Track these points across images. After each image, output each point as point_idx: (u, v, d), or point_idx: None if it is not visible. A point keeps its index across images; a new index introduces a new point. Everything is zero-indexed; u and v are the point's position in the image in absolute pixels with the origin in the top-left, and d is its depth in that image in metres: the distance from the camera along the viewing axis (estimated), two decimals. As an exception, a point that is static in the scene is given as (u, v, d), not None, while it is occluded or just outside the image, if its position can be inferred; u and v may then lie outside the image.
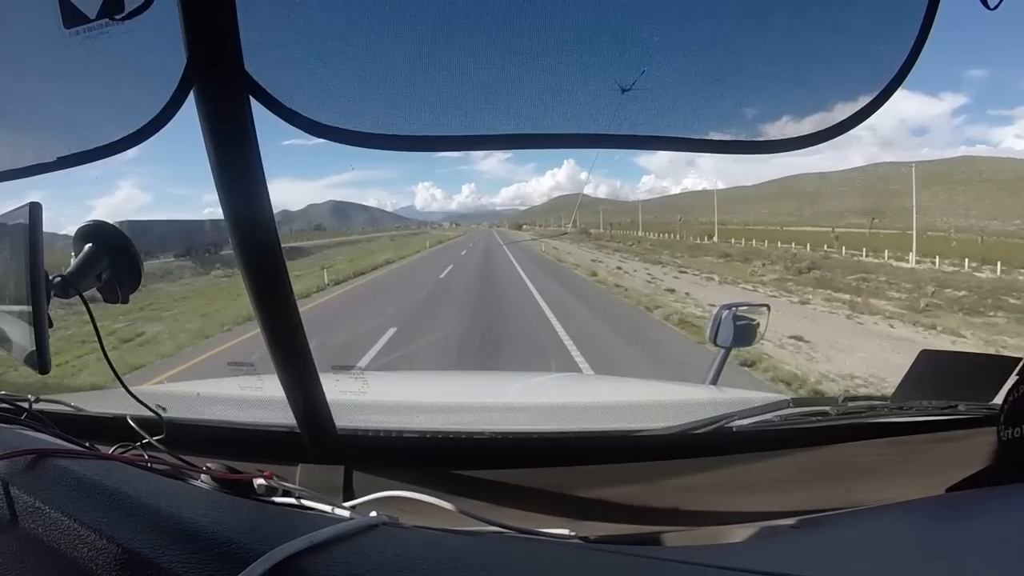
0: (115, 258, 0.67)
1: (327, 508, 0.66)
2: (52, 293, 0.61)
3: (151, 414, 0.78)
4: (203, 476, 0.66)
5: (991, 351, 6.54)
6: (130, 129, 0.59)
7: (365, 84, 0.60)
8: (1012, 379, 0.80)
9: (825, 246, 34.48)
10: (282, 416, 0.83)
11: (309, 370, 0.74)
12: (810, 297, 13.85)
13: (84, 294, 0.65)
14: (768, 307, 1.66)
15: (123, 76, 0.63)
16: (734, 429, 0.88)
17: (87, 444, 0.68)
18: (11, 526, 0.47)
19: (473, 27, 0.56)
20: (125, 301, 0.69)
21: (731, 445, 0.88)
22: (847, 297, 13.77)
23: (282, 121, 0.57)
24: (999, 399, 0.81)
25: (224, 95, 0.58)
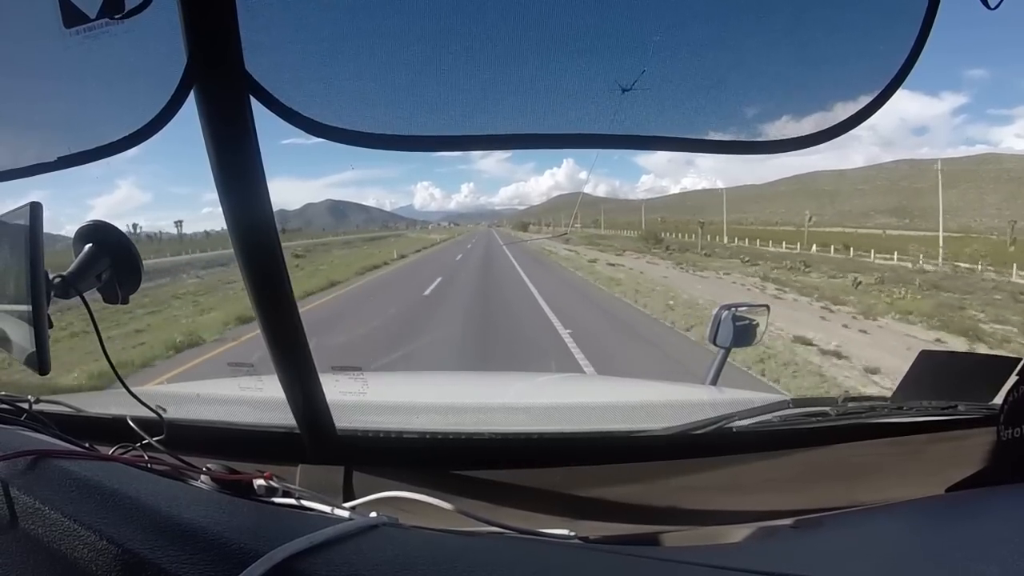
0: (115, 258, 0.67)
1: (327, 509, 0.66)
2: (52, 293, 0.61)
3: (151, 415, 0.78)
4: (203, 477, 0.66)
5: None
6: (131, 129, 0.59)
7: (365, 84, 0.60)
8: (1012, 379, 0.80)
9: (979, 265, 22.85)
10: (282, 417, 0.83)
11: (309, 370, 0.74)
12: None
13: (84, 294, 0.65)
14: (768, 307, 1.66)
15: (124, 76, 0.63)
16: (734, 429, 0.88)
17: (87, 445, 0.68)
18: (11, 527, 0.47)
19: (473, 27, 0.56)
20: (125, 301, 0.69)
21: (731, 445, 0.88)
22: None
23: (281, 120, 0.57)
24: (999, 399, 0.81)
25: (225, 95, 0.58)
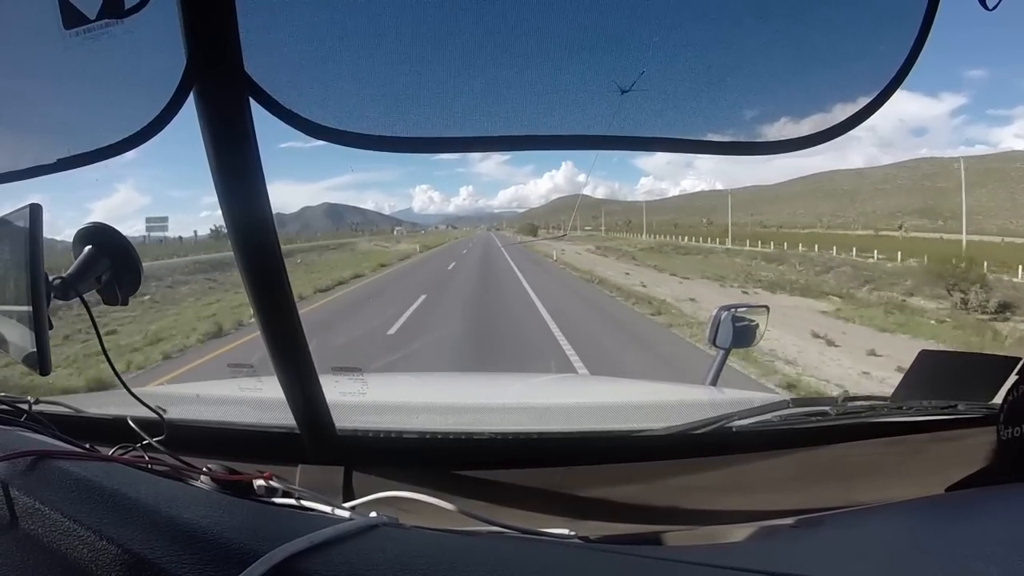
0: (115, 260, 0.67)
1: (327, 509, 0.66)
2: (52, 295, 0.61)
3: (151, 415, 0.78)
4: (203, 477, 0.66)
5: None
6: (130, 131, 0.59)
7: (364, 86, 0.60)
8: (1012, 378, 0.80)
9: None
10: (282, 417, 0.83)
11: (309, 371, 0.74)
12: None
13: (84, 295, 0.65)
14: (767, 308, 1.66)
15: (123, 78, 0.63)
16: (734, 429, 0.88)
17: (87, 445, 0.68)
18: (11, 527, 0.47)
19: (472, 29, 0.56)
20: (125, 303, 0.69)
21: (731, 445, 0.88)
22: None
23: (279, 124, 0.57)
24: (999, 399, 0.82)
25: (224, 97, 0.58)
